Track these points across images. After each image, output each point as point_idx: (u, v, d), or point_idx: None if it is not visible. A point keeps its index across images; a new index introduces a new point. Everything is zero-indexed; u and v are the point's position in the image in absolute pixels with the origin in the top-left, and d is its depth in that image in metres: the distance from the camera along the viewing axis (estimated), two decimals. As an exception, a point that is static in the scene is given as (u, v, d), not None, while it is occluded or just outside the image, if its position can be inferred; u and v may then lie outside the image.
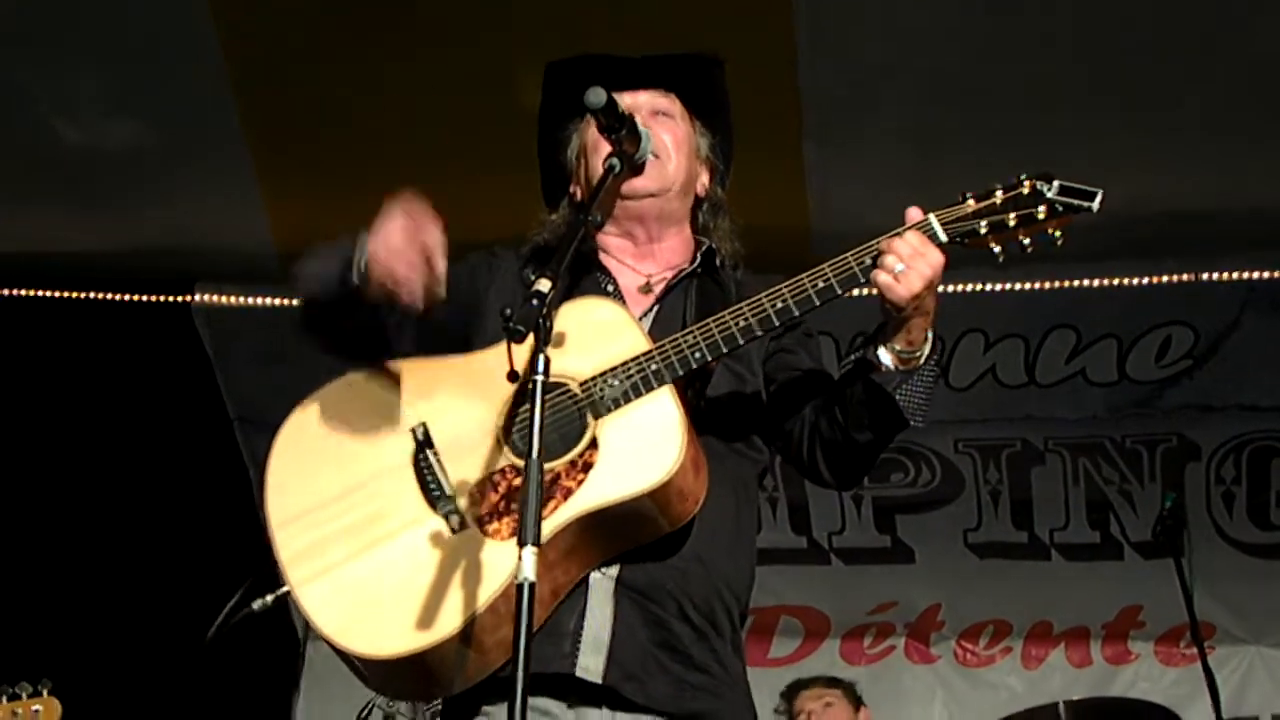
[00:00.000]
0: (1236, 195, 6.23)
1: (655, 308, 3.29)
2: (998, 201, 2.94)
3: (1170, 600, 6.14)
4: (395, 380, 3.18)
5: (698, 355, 3.02)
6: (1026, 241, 2.95)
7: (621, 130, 3.15)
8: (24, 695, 4.61)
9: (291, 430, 3.22)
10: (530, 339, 2.69)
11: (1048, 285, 6.89)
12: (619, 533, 3.00)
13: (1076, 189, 2.91)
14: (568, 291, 3.16)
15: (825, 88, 5.77)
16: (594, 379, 3.04)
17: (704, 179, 3.45)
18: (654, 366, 3.02)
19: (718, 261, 3.38)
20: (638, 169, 3.26)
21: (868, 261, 3.00)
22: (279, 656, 6.68)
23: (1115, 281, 6.84)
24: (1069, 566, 7.34)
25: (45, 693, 4.64)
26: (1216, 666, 6.10)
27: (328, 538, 3.06)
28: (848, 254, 3.01)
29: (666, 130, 3.37)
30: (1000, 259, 2.97)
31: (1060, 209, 2.91)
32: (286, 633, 6.23)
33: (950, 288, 6.71)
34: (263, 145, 6.33)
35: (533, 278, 2.83)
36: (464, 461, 3.05)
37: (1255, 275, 6.78)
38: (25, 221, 6.69)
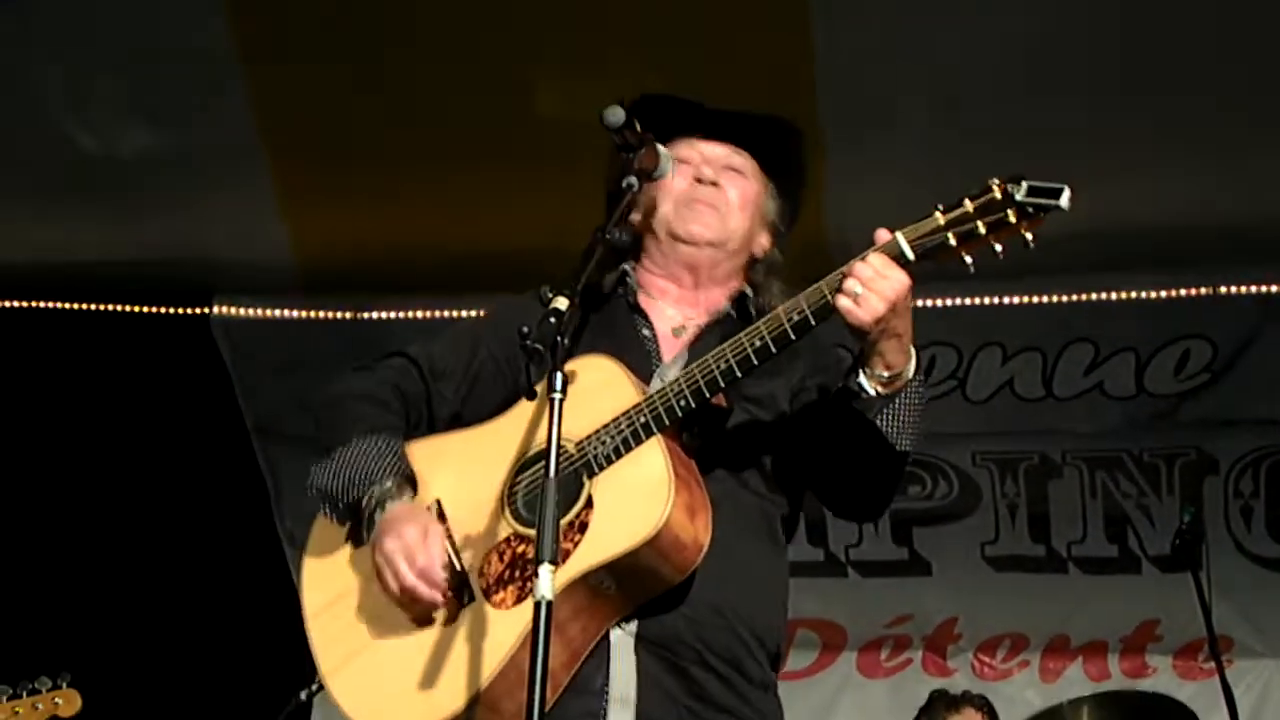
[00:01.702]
0: (1255, 207, 6.19)
1: (685, 353, 3.27)
2: (969, 210, 2.85)
3: (1188, 614, 6.10)
4: (411, 460, 3.23)
5: (682, 403, 3.00)
6: (999, 248, 2.86)
7: (640, 149, 3.16)
8: (44, 689, 4.74)
9: (320, 526, 3.28)
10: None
11: (1066, 298, 6.85)
12: (627, 587, 2.99)
13: (1044, 188, 2.80)
14: (607, 333, 3.22)
15: (843, 101, 5.75)
16: (588, 438, 3.04)
17: (763, 240, 3.43)
18: (642, 419, 3.01)
19: (752, 310, 3.35)
20: (655, 185, 3.28)
21: (838, 287, 2.96)
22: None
23: (1133, 294, 6.82)
24: (1087, 580, 7.30)
25: (65, 685, 4.78)
26: (1234, 680, 6.06)
27: (352, 626, 3.14)
28: (821, 282, 2.98)
29: (735, 185, 3.37)
30: (972, 270, 2.90)
31: (1031, 210, 2.80)
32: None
33: (967, 301, 6.89)
34: (281, 156, 6.33)
35: (550, 295, 2.85)
36: (472, 534, 3.09)
37: (1274, 288, 6.75)
38: (43, 231, 6.71)
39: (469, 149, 6.11)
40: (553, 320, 2.76)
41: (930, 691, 6.53)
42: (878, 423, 2.98)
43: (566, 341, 2.76)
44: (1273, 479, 7.16)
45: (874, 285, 2.88)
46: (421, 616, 3.07)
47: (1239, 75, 5.67)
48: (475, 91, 5.85)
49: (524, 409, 3.15)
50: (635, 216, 3.37)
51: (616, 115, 3.07)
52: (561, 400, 2.70)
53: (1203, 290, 6.77)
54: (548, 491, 2.64)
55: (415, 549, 3.01)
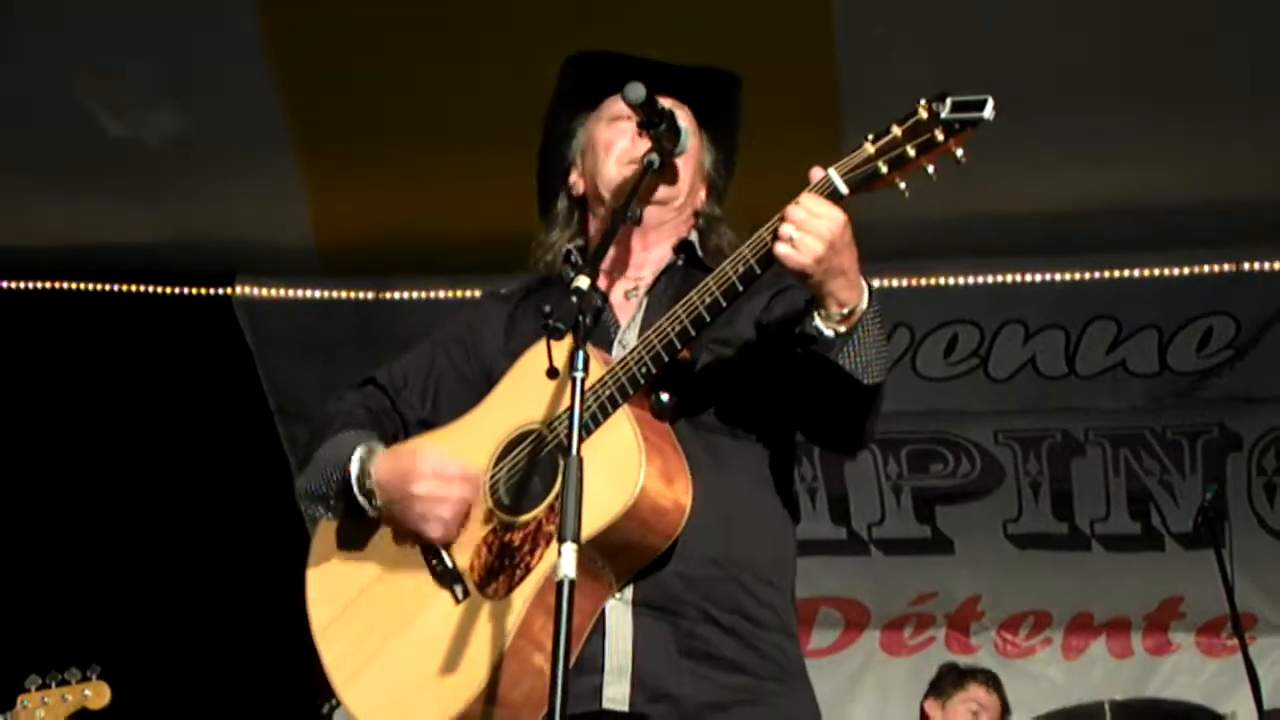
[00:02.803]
0: (1278, 183, 6.19)
1: (638, 313, 3.24)
2: (897, 135, 2.80)
3: (1211, 591, 6.11)
4: None
5: (643, 370, 2.97)
6: (930, 169, 2.81)
7: (661, 126, 3.12)
8: (73, 680, 4.72)
9: (319, 541, 3.28)
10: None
11: (1088, 276, 6.85)
12: (617, 560, 2.95)
13: (968, 101, 2.76)
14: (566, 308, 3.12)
15: (864, 78, 5.72)
16: (557, 418, 3.01)
17: (702, 193, 3.38)
18: (607, 393, 2.97)
19: (698, 252, 3.31)
20: (673, 170, 3.24)
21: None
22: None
23: (1156, 272, 6.81)
24: (1109, 557, 7.32)
25: (94, 677, 4.75)
26: (1258, 657, 6.05)
27: (357, 637, 3.15)
28: (762, 229, 2.92)
29: None
30: (906, 195, 2.84)
31: (958, 126, 2.75)
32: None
33: (989, 279, 6.88)
34: (305, 138, 6.35)
35: (571, 275, 2.84)
36: (462, 529, 3.08)
37: (1297, 264, 6.77)
38: (66, 213, 6.75)
39: (491, 131, 5.83)
40: (575, 300, 2.74)
41: (939, 665, 6.54)
42: (840, 362, 2.92)
43: (589, 320, 2.74)
44: (1296, 456, 7.19)
45: (808, 226, 2.83)
46: (418, 601, 3.07)
47: (1265, 54, 5.66)
48: (500, 74, 5.81)
49: (498, 396, 3.16)
50: (575, 179, 3.38)
51: (638, 92, 3.03)
52: (584, 379, 2.69)
53: (1226, 267, 6.78)
54: (570, 471, 2.61)
55: (434, 470, 3.03)
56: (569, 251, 3.27)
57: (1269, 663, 6.89)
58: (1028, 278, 6.88)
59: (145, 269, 7.18)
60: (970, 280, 6.95)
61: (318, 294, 7.13)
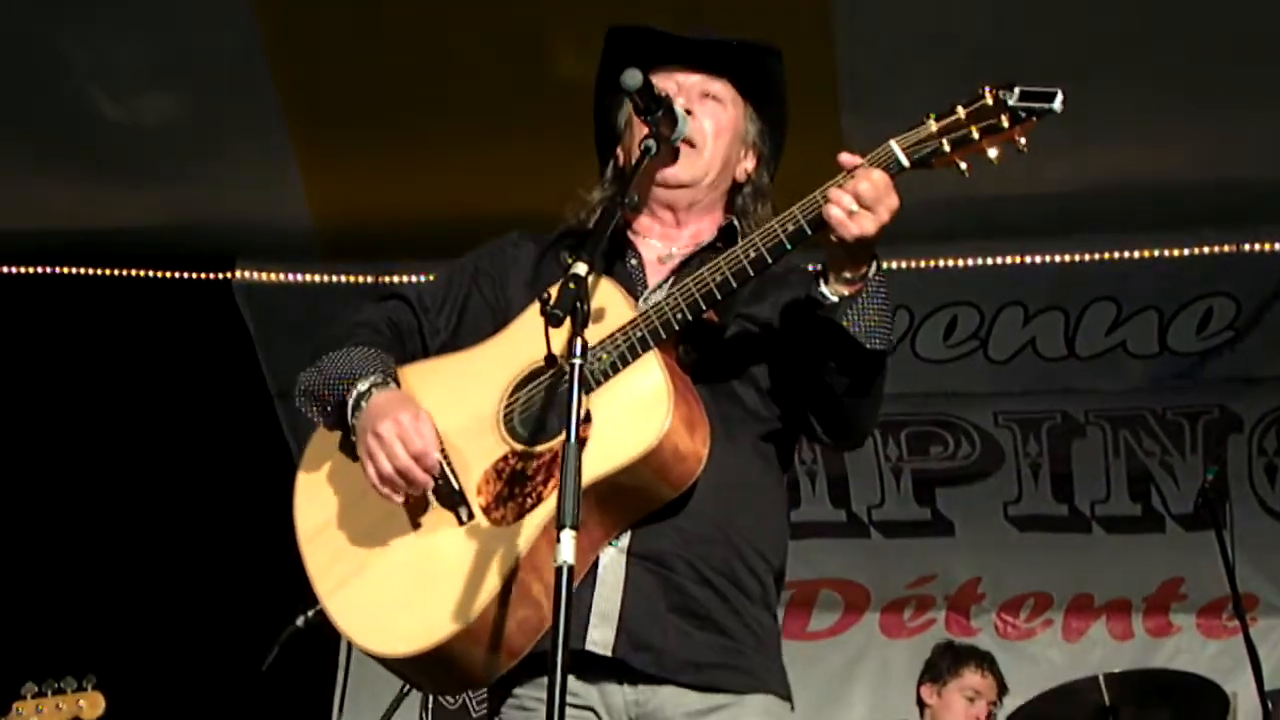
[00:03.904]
0: (1277, 163, 6.17)
1: (671, 278, 3.26)
2: (961, 117, 2.89)
3: (1212, 573, 6.10)
4: (402, 382, 3.23)
5: (679, 316, 3.02)
6: (994, 154, 2.88)
7: (658, 112, 3.15)
8: (69, 690, 4.69)
9: (313, 446, 3.28)
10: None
11: (1088, 257, 6.84)
12: (623, 504, 3.00)
13: (1037, 92, 2.83)
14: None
15: (863, 58, 5.75)
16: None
17: (747, 164, 3.41)
18: (639, 334, 3.02)
19: (740, 239, 3.27)
20: (673, 153, 3.25)
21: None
22: (321, 660, 6.81)
23: (1156, 253, 6.79)
24: (1110, 539, 7.32)
25: (89, 687, 4.73)
26: (1259, 639, 6.01)
27: (347, 546, 3.13)
28: (816, 193, 2.98)
29: (710, 115, 3.34)
30: (967, 174, 2.92)
31: (1024, 114, 2.83)
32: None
33: (989, 261, 6.88)
34: (302, 120, 6.35)
35: (569, 260, 2.86)
36: (468, 453, 3.09)
37: (1297, 245, 6.74)
38: (66, 198, 6.74)
39: (493, 112, 6.10)
40: (573, 286, 2.75)
41: (934, 645, 6.51)
42: (844, 324, 3.00)
43: (588, 308, 2.76)
44: (1296, 437, 7.18)
45: (871, 202, 2.91)
46: (415, 517, 3.07)
47: (1265, 30, 5.63)
48: (501, 55, 5.84)
49: (517, 328, 3.18)
50: (620, 152, 3.40)
51: (634, 78, 3.05)
52: (582, 366, 2.70)
53: (1225, 248, 6.76)
54: (568, 457, 2.63)
55: (409, 430, 3.00)
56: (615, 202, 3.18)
57: (1270, 644, 6.89)
58: (1027, 259, 6.87)
59: (144, 253, 7.19)
60: (970, 262, 6.93)
61: (317, 277, 7.12)
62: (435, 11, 5.82)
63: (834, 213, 2.92)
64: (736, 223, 3.36)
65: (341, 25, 5.91)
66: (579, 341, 2.71)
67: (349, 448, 3.15)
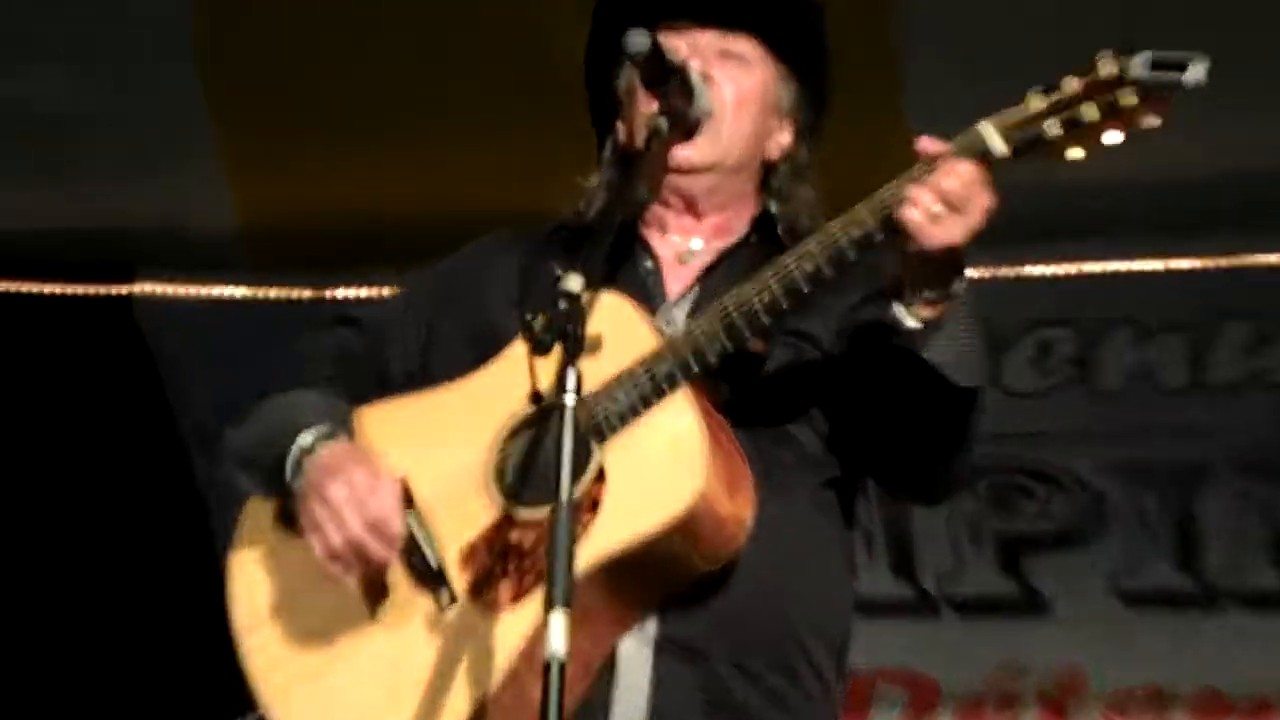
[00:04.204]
0: None
1: (696, 286, 3.23)
2: (1075, 91, 2.81)
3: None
4: (359, 433, 3.17)
5: (716, 348, 2.95)
6: (1115, 138, 2.82)
7: (669, 82, 3.09)
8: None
9: (250, 515, 3.25)
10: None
11: (1221, 263, 6.75)
12: (647, 582, 2.95)
13: (1170, 59, 2.73)
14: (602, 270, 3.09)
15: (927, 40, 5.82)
16: (595, 394, 2.95)
17: (782, 138, 3.36)
18: (664, 369, 2.96)
19: (780, 229, 3.31)
20: (689, 130, 3.18)
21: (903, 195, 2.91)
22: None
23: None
24: (1245, 619, 7.22)
25: None
26: None
27: (295, 642, 3.08)
28: (885, 189, 2.93)
29: (730, 80, 3.27)
30: (1084, 160, 2.86)
31: (1155, 88, 2.72)
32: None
33: (1089, 267, 6.90)
34: (224, 100, 6.42)
35: (559, 272, 2.78)
36: (450, 519, 3.03)
37: None
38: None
39: (451, 96, 6.19)
40: (564, 305, 2.67)
41: None
42: (928, 356, 2.93)
43: (582, 331, 2.68)
44: None
45: (960, 204, 2.84)
46: (379, 603, 3.02)
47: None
48: (428, 53, 6.05)
49: (506, 360, 3.10)
50: (621, 127, 3.37)
51: (641, 41, 2.99)
52: (578, 406, 2.63)
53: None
54: (560, 519, 2.54)
55: (364, 492, 2.94)
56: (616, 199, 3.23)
57: None
58: (1138, 265, 6.76)
59: (27, 262, 7.18)
60: (1064, 270, 6.81)
61: (241, 292, 7.12)
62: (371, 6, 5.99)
63: (913, 216, 2.84)
64: (773, 208, 3.33)
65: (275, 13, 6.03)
66: (571, 374, 2.63)
67: (293, 517, 3.09)
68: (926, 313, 2.92)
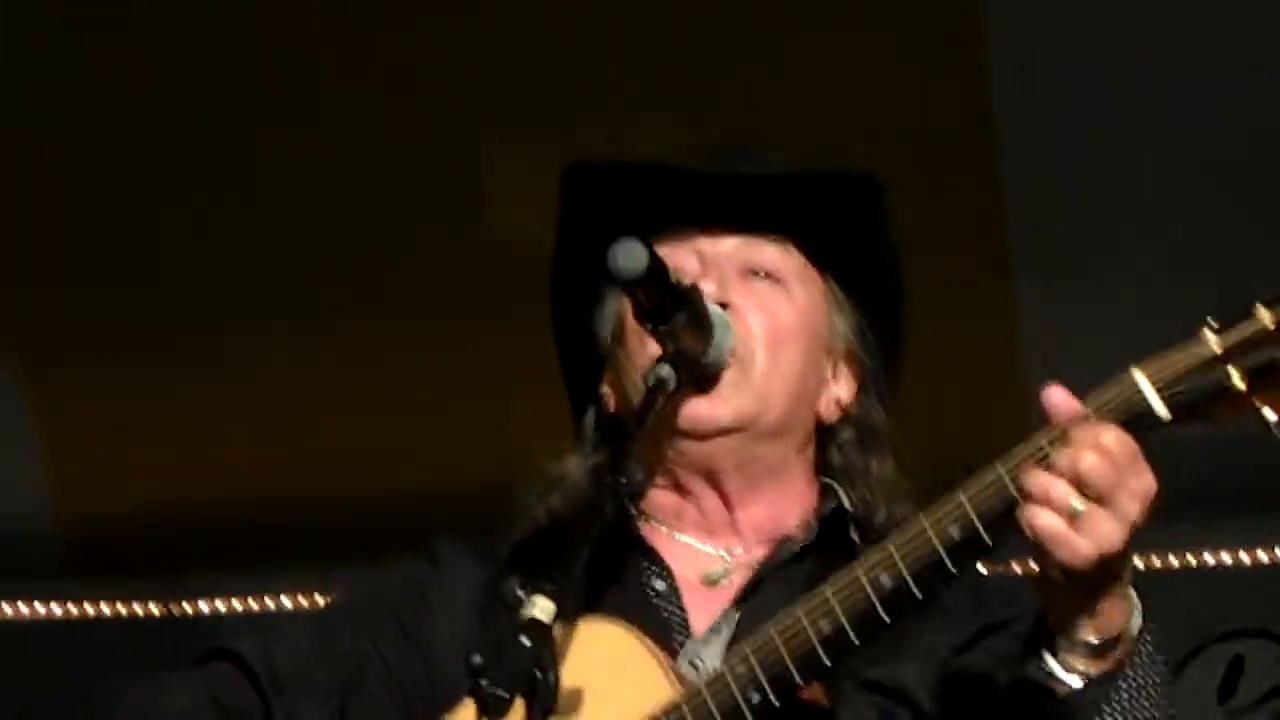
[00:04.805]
0: None
1: (736, 615, 2.85)
2: (1267, 325, 2.49)
3: None
4: None
5: (754, 700, 2.61)
6: None
7: (674, 316, 2.73)
8: None
9: None
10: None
11: None
12: None
13: None
14: (595, 589, 2.87)
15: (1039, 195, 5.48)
16: None
17: (839, 390, 3.02)
18: None
19: (853, 533, 2.92)
20: (705, 381, 2.84)
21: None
22: None
23: None
24: None
25: None
26: None
27: None
28: (993, 470, 2.52)
29: (760, 306, 2.93)
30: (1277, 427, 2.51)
31: None
32: None
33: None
34: (31, 354, 6.17)
35: (520, 594, 2.51)
36: None
37: None
38: None
39: (341, 328, 5.90)
40: (528, 642, 2.33)
41: None
42: None
43: (553, 679, 2.36)
44: None
45: (1114, 492, 2.41)
46: None
47: None
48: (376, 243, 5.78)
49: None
50: (606, 390, 3.09)
51: (636, 258, 2.64)
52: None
53: None
54: None
55: None
56: (613, 478, 2.80)
57: None
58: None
59: None
60: (1265, 557, 6.10)
61: (58, 610, 6.60)
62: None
63: (1042, 521, 2.42)
64: (841, 496, 2.96)
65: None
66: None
67: None
68: (1093, 667, 2.53)
